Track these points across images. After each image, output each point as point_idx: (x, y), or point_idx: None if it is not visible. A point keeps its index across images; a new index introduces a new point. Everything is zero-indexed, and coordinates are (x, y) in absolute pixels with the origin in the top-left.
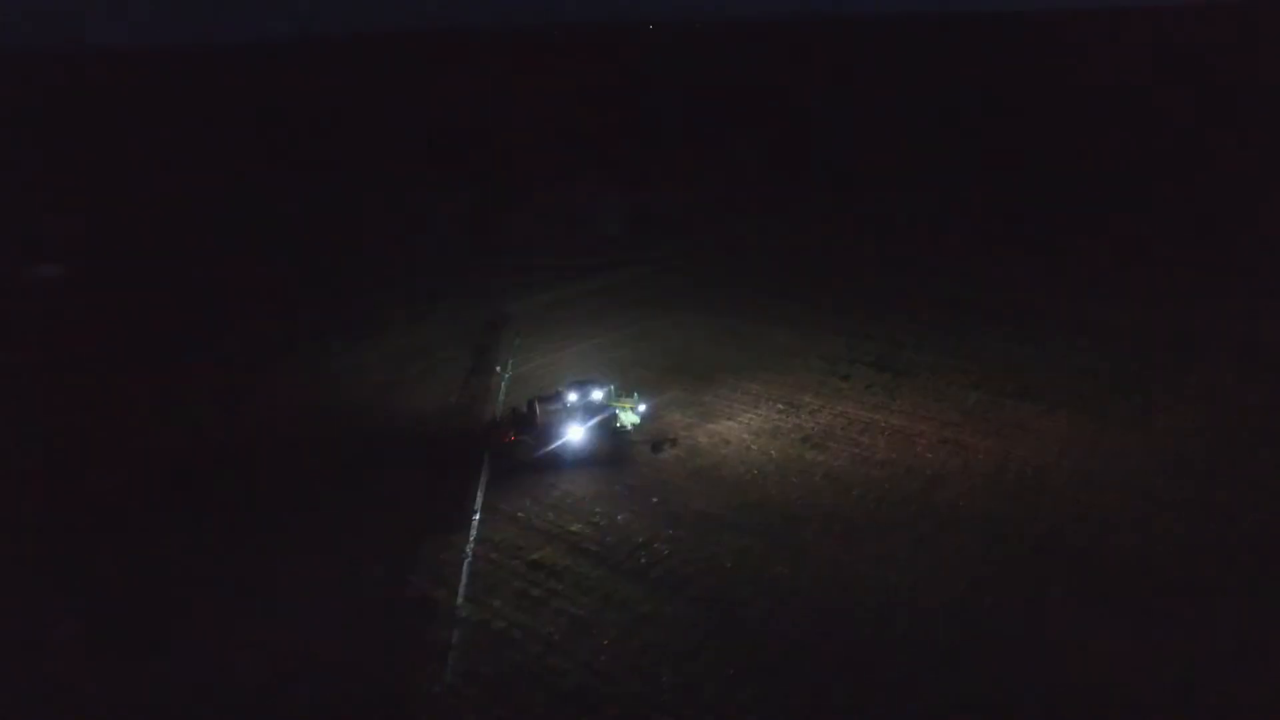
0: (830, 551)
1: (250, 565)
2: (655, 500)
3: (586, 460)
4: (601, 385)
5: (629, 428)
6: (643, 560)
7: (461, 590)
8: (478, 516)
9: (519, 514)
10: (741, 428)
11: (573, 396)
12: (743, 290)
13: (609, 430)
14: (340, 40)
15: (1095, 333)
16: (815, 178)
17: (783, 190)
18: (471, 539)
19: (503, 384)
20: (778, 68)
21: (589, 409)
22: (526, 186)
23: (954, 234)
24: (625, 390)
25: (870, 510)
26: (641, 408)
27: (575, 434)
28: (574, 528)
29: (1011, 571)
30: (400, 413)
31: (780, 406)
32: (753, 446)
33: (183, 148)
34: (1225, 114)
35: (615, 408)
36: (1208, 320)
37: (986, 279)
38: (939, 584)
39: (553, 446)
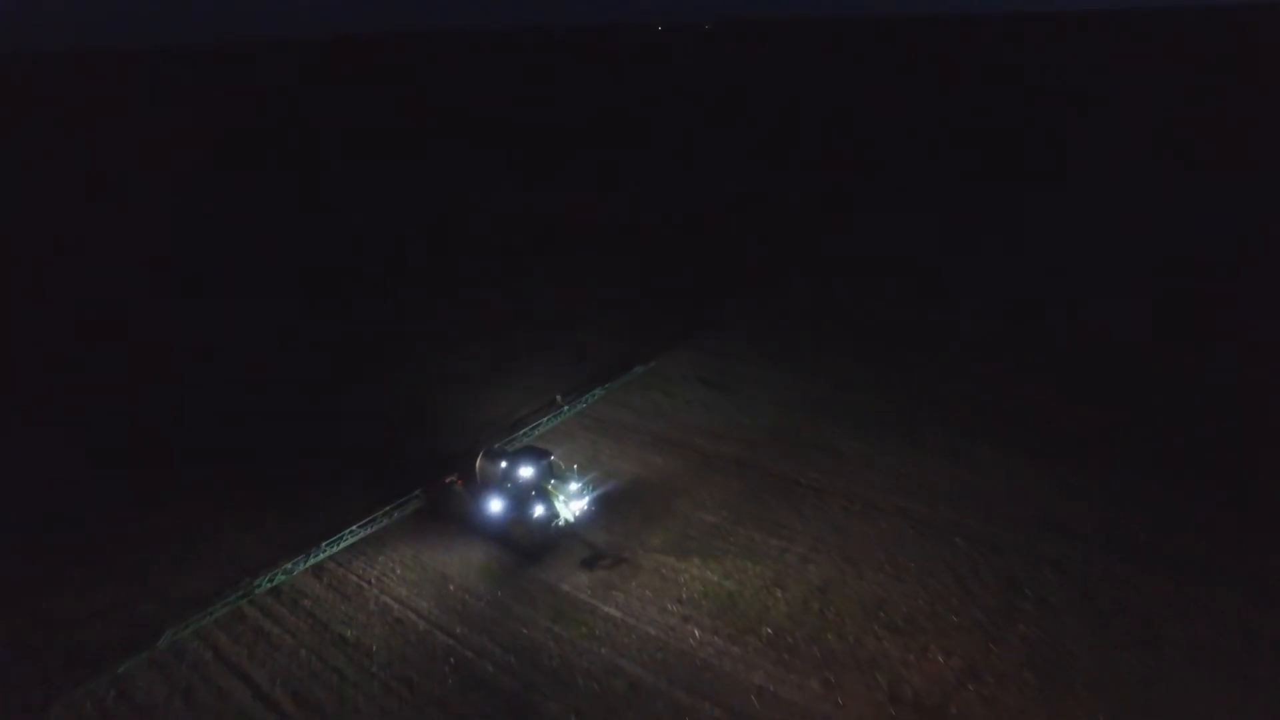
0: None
1: None
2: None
3: (504, 539)
4: (537, 463)
5: (560, 522)
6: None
7: None
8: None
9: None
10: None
11: (503, 464)
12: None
13: (536, 517)
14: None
15: (976, 348)
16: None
17: (701, 201)
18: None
19: (549, 418)
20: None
21: (516, 484)
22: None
23: (878, 248)
24: (577, 475)
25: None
26: (583, 503)
27: (495, 506)
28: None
29: None
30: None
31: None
32: None
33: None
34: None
35: (549, 495)
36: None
37: (883, 289)
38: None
39: (479, 509)
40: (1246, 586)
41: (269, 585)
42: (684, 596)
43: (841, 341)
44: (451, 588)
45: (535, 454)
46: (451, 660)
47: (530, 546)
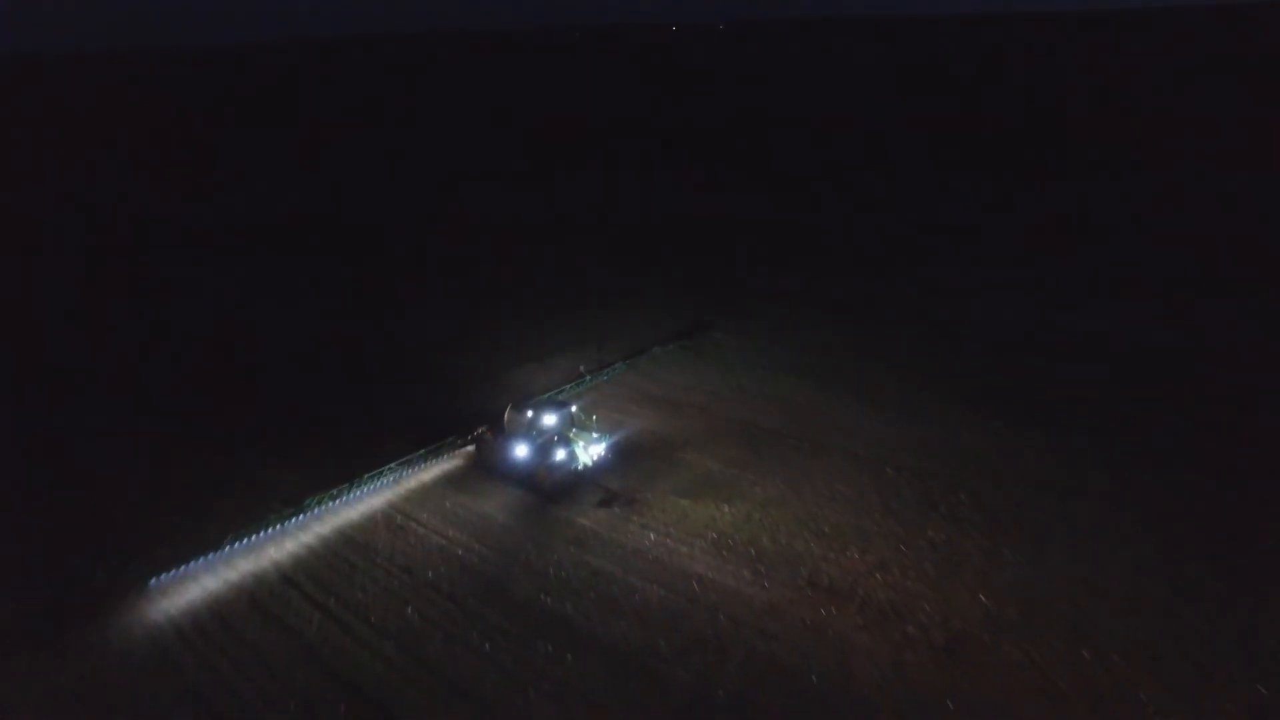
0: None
1: None
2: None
3: (527, 483)
4: (559, 410)
5: (578, 466)
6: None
7: None
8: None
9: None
10: None
11: (529, 414)
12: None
13: (555, 461)
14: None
15: (941, 325)
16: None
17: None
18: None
19: (573, 384)
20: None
21: (541, 433)
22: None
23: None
24: (594, 423)
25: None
26: (601, 448)
27: (520, 452)
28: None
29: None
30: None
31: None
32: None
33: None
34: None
35: (570, 442)
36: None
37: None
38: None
39: (505, 455)
40: (1134, 511)
41: (318, 507)
42: (645, 511)
43: (815, 318)
44: (448, 504)
45: (558, 405)
46: (443, 554)
47: (550, 488)
